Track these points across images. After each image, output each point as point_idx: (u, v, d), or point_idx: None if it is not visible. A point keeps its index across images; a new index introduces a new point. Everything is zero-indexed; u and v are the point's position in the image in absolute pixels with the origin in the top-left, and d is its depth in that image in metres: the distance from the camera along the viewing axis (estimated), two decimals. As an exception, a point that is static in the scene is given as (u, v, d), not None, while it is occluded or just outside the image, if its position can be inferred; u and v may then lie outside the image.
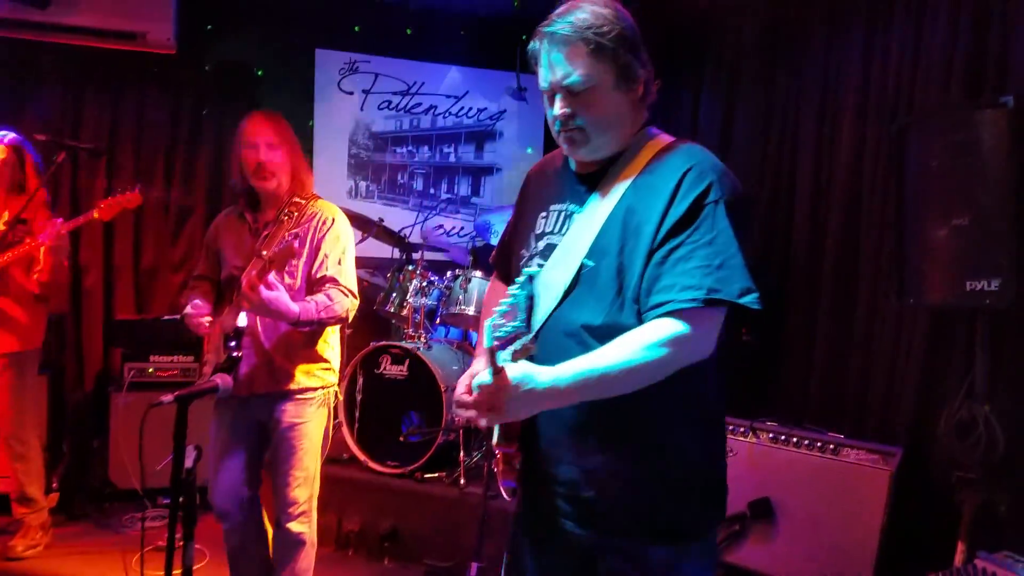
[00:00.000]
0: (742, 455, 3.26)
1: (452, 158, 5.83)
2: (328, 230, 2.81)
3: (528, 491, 1.73)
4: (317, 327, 2.76)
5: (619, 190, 1.58)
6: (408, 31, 5.59)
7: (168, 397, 2.06)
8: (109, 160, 4.95)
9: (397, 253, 5.02)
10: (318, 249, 2.78)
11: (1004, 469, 2.68)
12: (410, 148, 5.75)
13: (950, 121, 2.72)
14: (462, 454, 3.84)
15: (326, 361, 2.87)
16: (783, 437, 3.17)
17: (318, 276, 2.78)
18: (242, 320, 2.45)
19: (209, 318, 2.72)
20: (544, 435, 1.64)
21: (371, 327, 5.03)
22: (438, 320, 4.46)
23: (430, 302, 4.36)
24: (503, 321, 1.41)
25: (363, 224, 4.68)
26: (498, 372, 1.38)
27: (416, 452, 3.89)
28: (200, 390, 2.19)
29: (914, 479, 2.97)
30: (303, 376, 2.79)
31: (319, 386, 2.83)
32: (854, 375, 3.67)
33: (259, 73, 5.33)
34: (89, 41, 4.64)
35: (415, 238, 5.33)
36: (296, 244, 2.53)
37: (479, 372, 1.44)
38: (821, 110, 4.01)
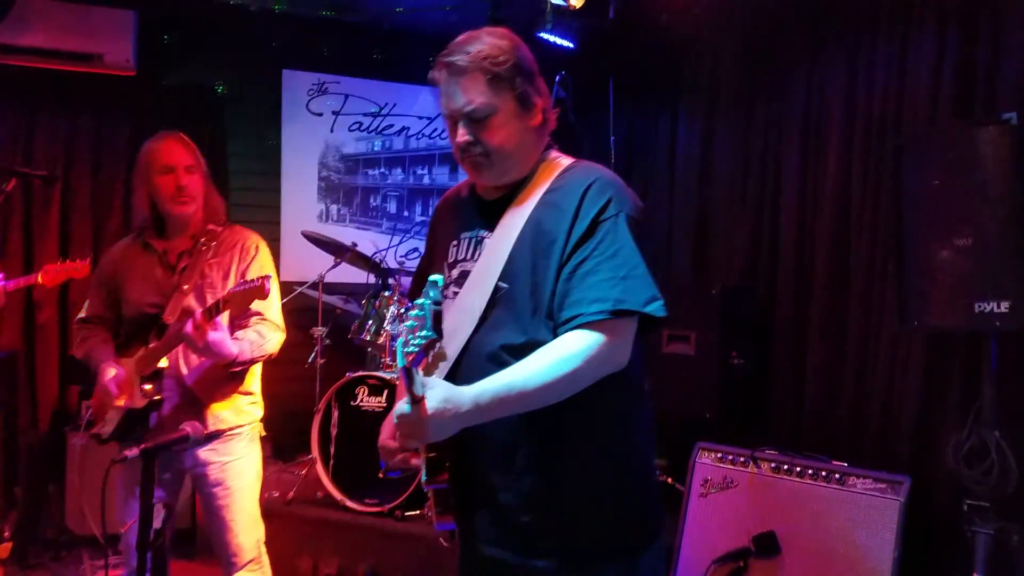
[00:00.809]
0: (743, 486, 3.13)
1: (426, 180, 5.70)
2: (252, 259, 2.69)
3: (465, 526, 1.67)
4: (248, 365, 2.65)
5: (526, 212, 1.64)
6: (375, 55, 5.47)
7: (133, 451, 1.89)
8: (64, 188, 4.72)
9: (372, 279, 4.85)
10: (242, 278, 2.62)
11: (1017, 497, 2.59)
12: (383, 170, 5.61)
13: (949, 139, 2.68)
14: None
15: (252, 394, 2.75)
16: (785, 467, 3.05)
17: None
18: (163, 361, 2.36)
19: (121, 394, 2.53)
20: (474, 464, 1.62)
21: (344, 357, 4.86)
22: (417, 348, 4.29)
23: (408, 330, 4.19)
24: (412, 335, 1.42)
25: (335, 249, 4.52)
26: (417, 402, 1.39)
27: (396, 489, 3.71)
28: (168, 441, 2.01)
29: (921, 508, 2.87)
30: (230, 414, 2.65)
31: (247, 422, 2.71)
32: (848, 401, 3.59)
33: (219, 90, 5.16)
34: (42, 63, 4.46)
35: (390, 262, 5.17)
36: (267, 285, 2.34)
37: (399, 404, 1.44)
38: (805, 132, 3.96)
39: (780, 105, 4.12)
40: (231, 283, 2.61)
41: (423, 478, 1.61)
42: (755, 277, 4.18)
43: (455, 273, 1.72)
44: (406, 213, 5.66)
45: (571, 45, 4.44)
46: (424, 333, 1.41)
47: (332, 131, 5.45)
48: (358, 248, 4.60)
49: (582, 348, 1.48)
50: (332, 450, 3.89)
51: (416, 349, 1.41)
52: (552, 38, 4.36)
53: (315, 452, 3.94)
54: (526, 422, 1.52)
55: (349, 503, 3.81)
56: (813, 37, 3.94)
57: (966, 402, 2.90)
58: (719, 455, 3.26)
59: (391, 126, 5.58)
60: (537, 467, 1.57)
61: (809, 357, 3.80)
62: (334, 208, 5.52)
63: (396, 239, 5.55)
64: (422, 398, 1.39)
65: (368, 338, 4.25)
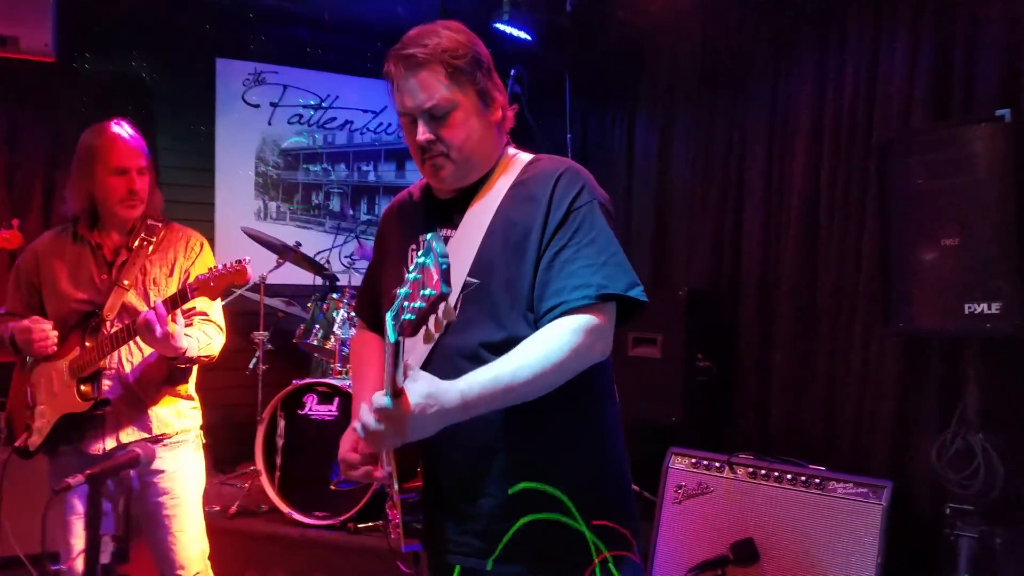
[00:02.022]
0: (719, 493, 3.06)
1: (372, 176, 5.49)
2: (197, 257, 2.64)
3: (433, 538, 1.58)
4: (191, 365, 2.59)
5: (492, 205, 1.59)
6: (316, 46, 5.25)
7: (78, 478, 1.66)
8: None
9: (318, 280, 4.61)
10: (187, 277, 2.57)
11: (1000, 500, 2.57)
12: (325, 166, 5.38)
13: (938, 138, 2.64)
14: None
15: (193, 399, 2.68)
16: (763, 472, 2.99)
17: (186, 307, 2.51)
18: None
19: (55, 334, 2.40)
20: (446, 468, 1.55)
21: (287, 363, 4.62)
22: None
23: (359, 333, 3.99)
24: (409, 301, 1.23)
25: (279, 249, 4.26)
26: (398, 395, 1.26)
27: (349, 500, 3.54)
28: (117, 465, 1.78)
29: (903, 513, 2.84)
30: (174, 418, 2.57)
31: (191, 427, 2.64)
32: (819, 404, 3.55)
33: (148, 79, 4.87)
34: (-53, 47, 4.12)
35: (334, 263, 4.95)
36: (248, 269, 2.28)
37: (375, 396, 1.30)
38: (770, 131, 3.90)
39: (744, 104, 4.06)
40: (175, 280, 2.54)
41: (395, 486, 1.50)
42: (718, 279, 4.13)
43: None
44: (351, 211, 5.44)
45: (529, 37, 4.31)
46: (427, 292, 1.19)
47: (270, 123, 5.21)
48: (302, 248, 4.38)
49: (568, 336, 1.43)
50: (279, 461, 3.70)
51: (413, 316, 1.19)
52: (509, 29, 4.21)
53: (259, 464, 3.73)
54: (504, 420, 1.46)
55: (298, 516, 3.63)
56: (779, 34, 3.88)
57: (943, 405, 2.88)
58: (693, 460, 3.19)
59: (333, 119, 5.36)
60: (519, 468, 1.51)
61: (777, 359, 3.77)
62: (273, 205, 5.26)
63: (340, 239, 5.33)
64: (403, 391, 1.26)
65: (315, 343, 4.06)
